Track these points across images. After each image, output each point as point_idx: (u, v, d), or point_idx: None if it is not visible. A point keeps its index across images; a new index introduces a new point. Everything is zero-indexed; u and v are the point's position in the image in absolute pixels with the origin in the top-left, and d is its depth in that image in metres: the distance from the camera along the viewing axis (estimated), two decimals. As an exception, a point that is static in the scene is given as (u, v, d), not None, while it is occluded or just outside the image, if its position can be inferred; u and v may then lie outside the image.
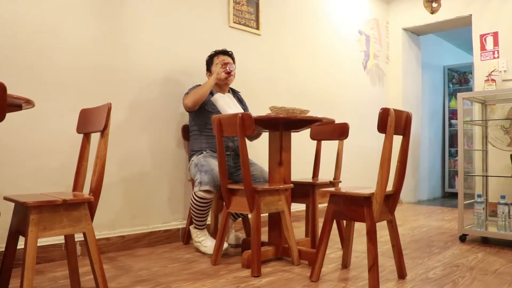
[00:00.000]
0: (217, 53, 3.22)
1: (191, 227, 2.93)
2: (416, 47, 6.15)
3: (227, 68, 3.07)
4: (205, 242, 2.87)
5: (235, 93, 3.30)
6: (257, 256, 2.36)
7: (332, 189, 2.31)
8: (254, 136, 3.33)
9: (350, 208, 2.20)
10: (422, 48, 6.38)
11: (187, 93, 3.09)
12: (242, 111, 3.02)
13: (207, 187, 2.73)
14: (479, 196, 3.38)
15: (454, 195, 7.02)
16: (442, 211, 5.19)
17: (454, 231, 3.75)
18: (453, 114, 7.23)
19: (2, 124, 2.45)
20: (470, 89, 6.87)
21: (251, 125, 2.32)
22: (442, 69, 7.33)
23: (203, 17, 3.58)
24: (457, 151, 7.13)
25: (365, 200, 2.13)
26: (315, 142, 3.28)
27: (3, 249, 1.91)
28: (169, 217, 3.27)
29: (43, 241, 2.58)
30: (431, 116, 6.90)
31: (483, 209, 3.35)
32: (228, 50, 3.24)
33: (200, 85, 3.15)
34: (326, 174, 4.13)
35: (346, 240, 2.54)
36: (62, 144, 2.73)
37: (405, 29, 5.90)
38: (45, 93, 2.67)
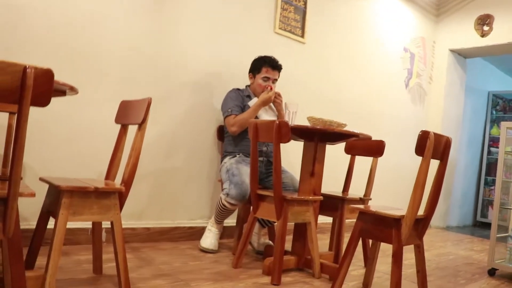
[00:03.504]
0: (267, 63, 3.10)
1: (213, 216, 2.96)
2: (462, 69, 6.00)
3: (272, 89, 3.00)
4: (209, 234, 2.93)
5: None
6: (278, 265, 2.35)
7: (362, 206, 2.27)
8: None
9: (379, 228, 2.16)
10: (468, 71, 6.21)
11: (230, 112, 3.02)
12: (277, 117, 3.02)
13: (233, 201, 2.75)
14: (513, 230, 3.26)
15: (486, 225, 6.81)
16: (471, 241, 5.04)
17: (483, 264, 3.63)
18: (494, 141, 7.02)
19: (45, 108, 2.51)
20: (515, 118, 6.67)
21: (287, 133, 2.31)
22: (487, 94, 7.13)
23: (250, 20, 3.60)
24: (493, 180, 6.91)
25: (394, 222, 2.09)
26: (348, 156, 3.23)
27: (34, 227, 1.96)
28: (195, 214, 3.29)
29: (70, 224, 2.63)
30: (469, 141, 6.72)
31: (517, 244, 3.24)
32: (278, 62, 3.14)
33: (238, 89, 3.16)
34: (356, 189, 4.07)
35: (370, 259, 2.50)
36: (99, 132, 2.79)
37: (452, 50, 5.77)
38: (88, 80, 2.74)
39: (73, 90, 1.75)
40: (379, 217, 2.16)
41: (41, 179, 1.91)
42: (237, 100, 3.09)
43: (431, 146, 2.03)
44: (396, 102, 5.25)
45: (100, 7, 2.76)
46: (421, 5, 5.53)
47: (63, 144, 2.66)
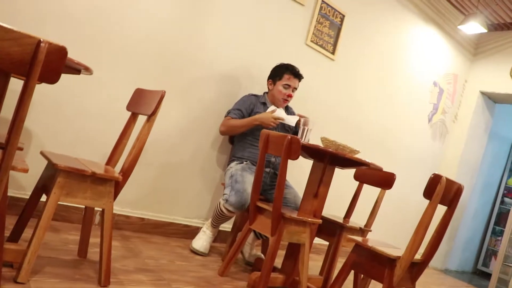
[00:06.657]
0: (290, 70, 3.05)
1: (210, 219, 2.91)
2: (489, 113, 5.86)
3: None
4: (202, 236, 2.88)
5: (287, 108, 3.23)
6: (264, 281, 2.29)
7: (360, 239, 2.21)
8: None
9: (372, 264, 2.09)
10: (495, 115, 6.05)
11: (229, 113, 3.04)
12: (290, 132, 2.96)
13: (231, 208, 2.70)
14: (512, 289, 3.16)
15: (486, 275, 6.63)
16: (468, 289, 4.91)
17: (475, 316, 3.52)
18: (509, 192, 6.85)
19: (61, 83, 2.50)
20: (535, 172, 6.50)
21: (297, 151, 2.25)
22: (511, 143, 6.96)
23: (283, 28, 3.55)
24: (502, 231, 6.74)
25: (389, 261, 2.02)
26: (356, 182, 3.16)
27: (28, 197, 1.94)
28: (192, 213, 3.25)
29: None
30: (484, 187, 6.55)
31: (513, 304, 3.13)
32: (301, 73, 3.09)
33: (255, 95, 3.11)
34: (358, 217, 3.99)
35: (358, 293, 2.43)
36: (109, 115, 2.77)
37: (483, 93, 5.63)
38: (106, 62, 2.72)
39: (88, 70, 1.73)
40: (374, 253, 2.09)
41: (42, 154, 1.89)
42: (244, 105, 3.06)
43: (441, 192, 1.95)
44: (415, 135, 5.15)
45: (134, -10, 2.75)
46: (459, 42, 5.42)
47: (72, 121, 2.65)
